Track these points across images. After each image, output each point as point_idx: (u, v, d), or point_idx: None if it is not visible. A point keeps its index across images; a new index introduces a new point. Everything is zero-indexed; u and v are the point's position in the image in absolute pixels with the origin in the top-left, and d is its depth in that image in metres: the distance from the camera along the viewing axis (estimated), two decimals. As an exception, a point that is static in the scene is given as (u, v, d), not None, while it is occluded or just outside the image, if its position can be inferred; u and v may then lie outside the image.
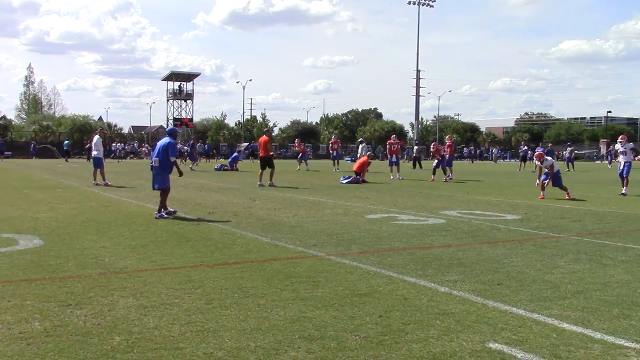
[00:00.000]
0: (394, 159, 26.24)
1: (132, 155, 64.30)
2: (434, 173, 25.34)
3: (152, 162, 12.01)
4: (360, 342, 4.38)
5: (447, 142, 26.24)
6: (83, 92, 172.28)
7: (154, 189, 11.92)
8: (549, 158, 17.25)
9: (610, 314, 5.21)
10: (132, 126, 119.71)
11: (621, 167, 18.58)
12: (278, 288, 5.93)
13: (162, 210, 11.56)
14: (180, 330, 4.60)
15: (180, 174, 12.16)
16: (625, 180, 18.36)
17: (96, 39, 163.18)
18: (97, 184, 19.72)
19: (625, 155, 18.48)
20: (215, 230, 9.79)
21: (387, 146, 27.22)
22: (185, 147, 41.48)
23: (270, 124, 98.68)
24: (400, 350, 4.22)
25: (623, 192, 18.17)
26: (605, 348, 4.33)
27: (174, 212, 11.74)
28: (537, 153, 18.32)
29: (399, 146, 27.54)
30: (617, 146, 19.20)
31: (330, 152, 37.75)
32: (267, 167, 20.72)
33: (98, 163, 20.24)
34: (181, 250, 7.95)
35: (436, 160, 25.72)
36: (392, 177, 25.75)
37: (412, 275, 6.57)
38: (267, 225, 10.48)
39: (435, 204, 14.57)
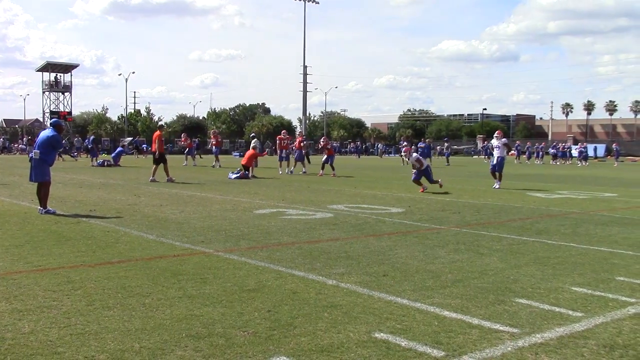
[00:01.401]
0: (283, 154, 26.39)
1: (4, 151, 60.42)
2: (322, 167, 25.69)
3: (31, 154, 11.55)
4: (249, 338, 4.35)
5: (298, 138, 26.87)
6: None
7: (31, 180, 11.59)
8: (415, 154, 17.75)
9: (487, 300, 5.50)
10: (4, 119, 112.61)
11: (494, 162, 19.37)
12: (164, 286, 5.78)
13: (42, 209, 11.06)
14: (59, 334, 4.37)
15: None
16: (499, 175, 19.15)
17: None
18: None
19: (499, 150, 19.31)
20: (97, 229, 9.39)
21: (277, 141, 27.31)
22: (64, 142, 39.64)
23: (155, 119, 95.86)
24: (289, 344, 4.24)
25: (496, 186, 19.01)
26: (482, 333, 4.57)
27: (53, 212, 11.16)
28: (405, 148, 18.98)
29: (288, 141, 27.70)
30: (493, 141, 19.95)
31: (212, 147, 36.45)
32: (160, 163, 20.30)
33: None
34: (60, 250, 7.55)
35: (325, 155, 26.11)
36: (281, 172, 25.85)
37: (301, 269, 6.62)
38: (152, 222, 10.19)
39: (323, 198, 14.78)
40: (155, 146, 20.62)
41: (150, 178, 19.93)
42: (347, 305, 5.23)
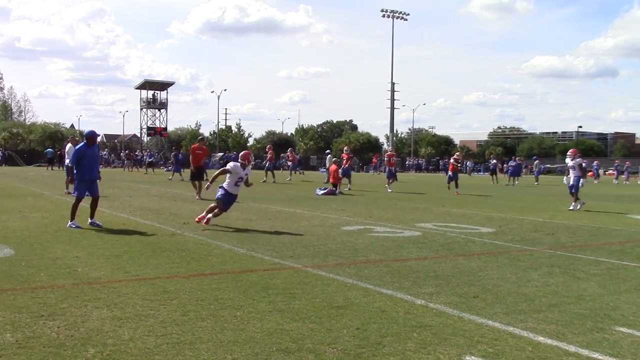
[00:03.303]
0: (393, 170, 26.48)
1: (107, 164, 63.54)
2: (454, 185, 25.75)
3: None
4: (338, 355, 4.37)
5: (344, 155, 26.56)
6: (54, 99, 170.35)
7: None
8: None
9: (584, 327, 5.27)
10: (104, 134, 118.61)
11: (570, 183, 18.20)
12: (255, 300, 5.89)
13: (71, 219, 11.14)
14: (156, 342, 4.55)
15: (70, 181, 11.45)
16: (574, 196, 18.06)
17: (69, 45, 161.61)
18: (69, 193, 19.42)
19: (575, 170, 18.14)
20: (191, 241, 9.71)
21: (386, 158, 27.51)
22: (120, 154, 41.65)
23: (245, 135, 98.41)
24: (378, 363, 4.22)
25: (577, 207, 17.87)
26: (580, 361, 4.38)
27: (77, 226, 11.00)
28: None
29: (393, 158, 27.70)
30: (567, 160, 18.81)
31: (266, 163, 33.17)
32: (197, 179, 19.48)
33: (70, 171, 19.96)
34: (156, 261, 7.86)
35: (451, 173, 26.12)
36: (390, 191, 25.57)
37: (389, 288, 6.58)
38: (242, 236, 10.42)
39: (411, 216, 14.64)
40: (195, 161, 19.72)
41: (197, 196, 18.91)
42: (436, 326, 5.15)
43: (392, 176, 26.64)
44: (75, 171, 11.48)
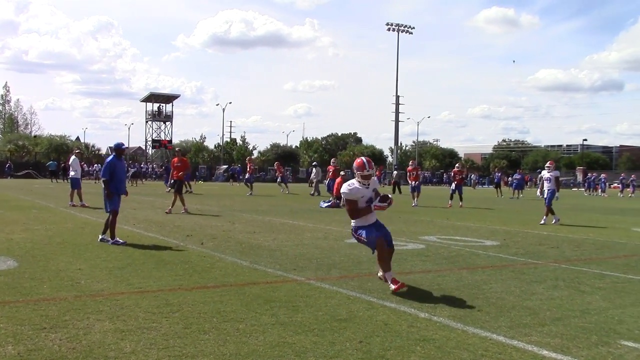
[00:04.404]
0: (414, 184, 26.10)
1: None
2: (451, 198, 25.52)
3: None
4: (341, 369, 4.33)
5: (330, 167, 26.61)
6: (61, 112, 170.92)
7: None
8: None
9: (589, 341, 5.23)
10: (109, 147, 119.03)
11: (545, 195, 17.56)
12: (257, 312, 5.87)
13: (112, 237, 10.82)
14: (158, 355, 4.52)
15: (108, 196, 10.96)
16: (548, 209, 17.40)
17: (76, 59, 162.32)
18: (73, 205, 19.48)
19: (550, 182, 17.62)
20: (194, 254, 9.69)
21: (407, 173, 27.03)
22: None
23: (250, 147, 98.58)
24: (381, 377, 4.19)
25: (542, 221, 17.20)
26: (584, 375, 4.34)
27: (122, 243, 10.66)
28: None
29: (418, 172, 27.20)
30: (544, 172, 18.18)
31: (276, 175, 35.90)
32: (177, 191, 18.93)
33: (75, 184, 20.04)
34: (159, 274, 7.85)
35: (454, 184, 25.76)
36: (414, 205, 25.29)
37: (392, 301, 6.55)
38: (246, 248, 10.40)
39: (415, 229, 14.61)
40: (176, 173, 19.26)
41: (182, 209, 18.25)
42: (440, 340, 5.12)
43: (414, 190, 25.95)
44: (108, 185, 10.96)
